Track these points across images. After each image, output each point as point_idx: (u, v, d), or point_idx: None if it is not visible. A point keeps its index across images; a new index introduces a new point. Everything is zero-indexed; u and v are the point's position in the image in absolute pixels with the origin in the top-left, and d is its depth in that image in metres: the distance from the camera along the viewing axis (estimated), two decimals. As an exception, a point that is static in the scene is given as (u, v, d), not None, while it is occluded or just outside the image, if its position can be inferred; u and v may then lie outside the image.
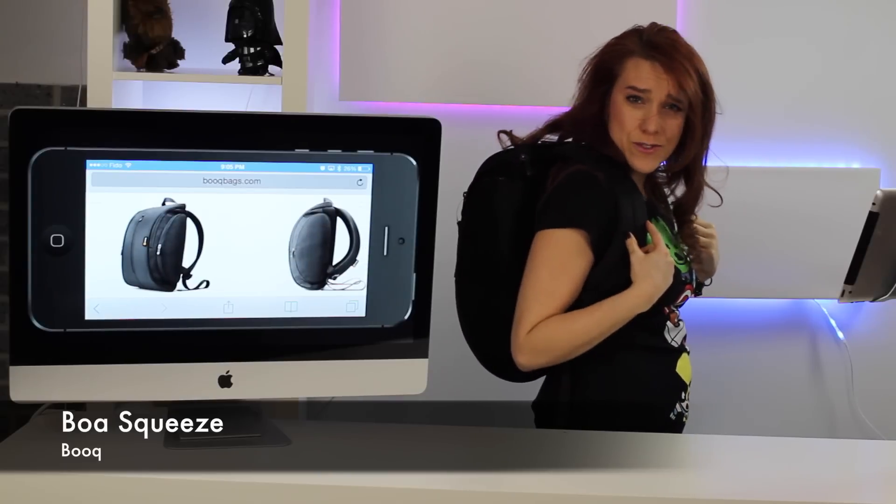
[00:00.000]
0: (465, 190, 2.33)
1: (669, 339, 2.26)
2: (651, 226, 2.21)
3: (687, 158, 2.24)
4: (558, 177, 2.20)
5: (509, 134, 2.33)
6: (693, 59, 2.21)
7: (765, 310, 3.28)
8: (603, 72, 2.25)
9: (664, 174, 2.33)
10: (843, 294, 2.08)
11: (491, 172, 2.30)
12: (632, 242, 2.16)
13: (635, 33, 2.25)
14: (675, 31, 2.27)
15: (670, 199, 2.36)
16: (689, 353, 2.30)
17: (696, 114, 2.19)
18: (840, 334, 3.29)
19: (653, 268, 2.15)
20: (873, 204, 2.01)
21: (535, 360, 2.16)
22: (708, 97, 2.22)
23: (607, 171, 2.20)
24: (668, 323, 2.26)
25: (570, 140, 2.31)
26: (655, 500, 1.83)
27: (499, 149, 2.34)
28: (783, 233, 3.17)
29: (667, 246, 2.23)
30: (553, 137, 2.32)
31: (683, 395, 2.28)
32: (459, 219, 2.33)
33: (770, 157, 3.17)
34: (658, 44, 2.21)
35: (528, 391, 2.35)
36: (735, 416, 3.24)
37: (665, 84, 2.18)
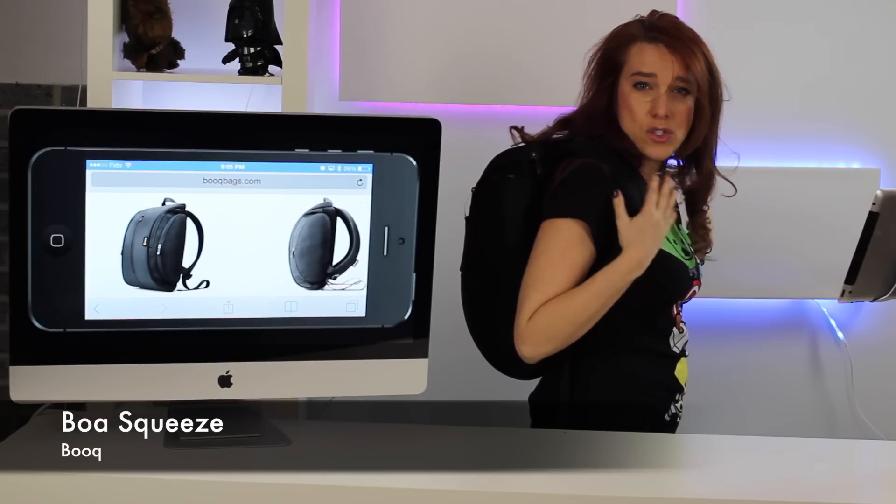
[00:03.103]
0: (473, 186, 2.32)
1: (673, 345, 2.26)
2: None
3: (696, 141, 2.23)
4: (564, 170, 2.20)
5: (520, 130, 2.33)
6: (697, 41, 2.21)
7: (765, 310, 3.28)
8: (608, 62, 2.25)
9: (674, 166, 2.32)
10: (843, 294, 2.08)
11: (500, 170, 2.29)
12: (619, 204, 2.14)
13: (637, 21, 2.26)
14: (675, 17, 2.28)
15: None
16: (687, 356, 2.30)
17: (704, 94, 2.19)
18: (840, 334, 3.29)
19: (639, 231, 2.13)
20: (873, 204, 2.01)
21: (538, 349, 2.14)
22: (714, 78, 2.22)
23: (614, 164, 2.20)
24: (674, 329, 2.26)
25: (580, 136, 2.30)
26: (655, 500, 1.83)
27: (503, 147, 2.33)
28: (783, 233, 3.18)
29: (672, 242, 2.23)
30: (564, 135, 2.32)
31: (678, 396, 2.29)
32: (467, 214, 2.33)
33: (770, 157, 3.18)
34: (661, 27, 2.22)
35: (528, 391, 2.34)
36: (735, 416, 3.24)
37: (671, 66, 2.18)
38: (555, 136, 2.31)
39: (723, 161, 2.32)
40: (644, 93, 2.20)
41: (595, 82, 2.28)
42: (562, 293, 2.13)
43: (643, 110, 2.20)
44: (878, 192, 2.01)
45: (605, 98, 2.25)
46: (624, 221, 2.13)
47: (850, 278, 2.05)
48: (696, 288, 2.30)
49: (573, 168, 2.19)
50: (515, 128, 2.33)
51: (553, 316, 2.12)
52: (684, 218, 2.37)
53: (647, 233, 2.13)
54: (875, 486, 1.99)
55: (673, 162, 2.32)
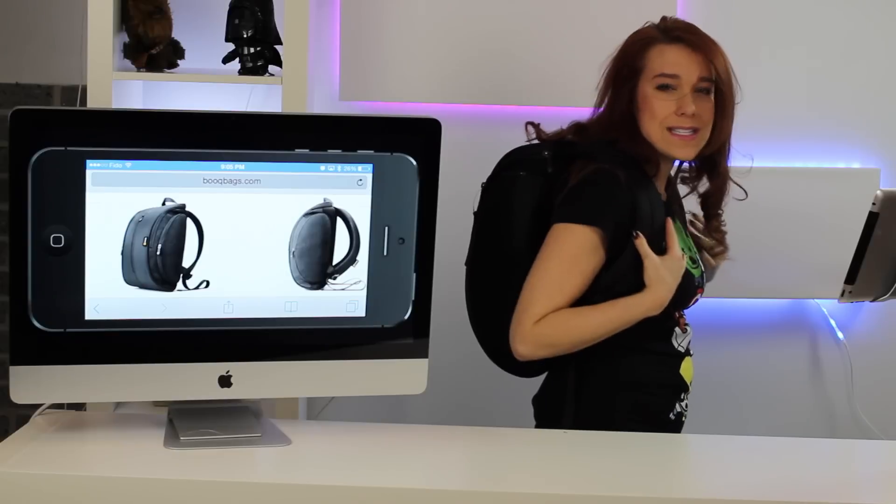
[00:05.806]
0: (483, 181, 2.32)
1: (676, 345, 2.26)
2: (670, 225, 2.20)
3: (720, 138, 2.22)
4: (580, 173, 2.19)
5: (536, 127, 2.32)
6: (714, 41, 2.21)
7: (765, 310, 3.28)
8: (627, 67, 2.23)
9: (687, 169, 2.32)
10: (843, 294, 2.08)
11: (512, 166, 2.29)
12: (643, 244, 2.14)
13: (652, 26, 2.25)
14: (687, 21, 2.27)
15: (693, 196, 2.35)
16: (692, 355, 2.30)
17: (726, 87, 2.19)
18: (840, 334, 3.29)
19: (668, 273, 2.15)
20: (873, 204, 2.01)
21: (536, 352, 2.14)
22: (732, 76, 2.22)
23: (628, 170, 2.19)
24: (677, 329, 2.26)
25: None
26: (655, 500, 1.83)
27: (503, 147, 2.33)
28: (783, 233, 3.18)
29: (682, 249, 2.23)
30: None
31: (684, 395, 2.28)
32: (475, 209, 2.32)
33: (770, 158, 3.17)
34: (679, 28, 2.22)
35: (529, 391, 2.34)
36: (735, 416, 3.24)
37: (695, 65, 2.18)
38: (569, 137, 2.30)
39: (735, 163, 2.32)
40: (667, 93, 2.19)
41: (613, 88, 2.25)
42: (575, 306, 2.14)
43: (667, 110, 2.18)
44: (878, 192, 2.01)
45: (624, 103, 2.22)
46: (653, 261, 2.14)
47: (850, 278, 2.05)
48: (699, 296, 2.31)
49: (588, 173, 2.18)
50: (532, 124, 2.32)
51: (562, 327, 2.13)
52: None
53: (674, 273, 2.16)
54: (875, 486, 1.99)
55: (685, 165, 2.32)
